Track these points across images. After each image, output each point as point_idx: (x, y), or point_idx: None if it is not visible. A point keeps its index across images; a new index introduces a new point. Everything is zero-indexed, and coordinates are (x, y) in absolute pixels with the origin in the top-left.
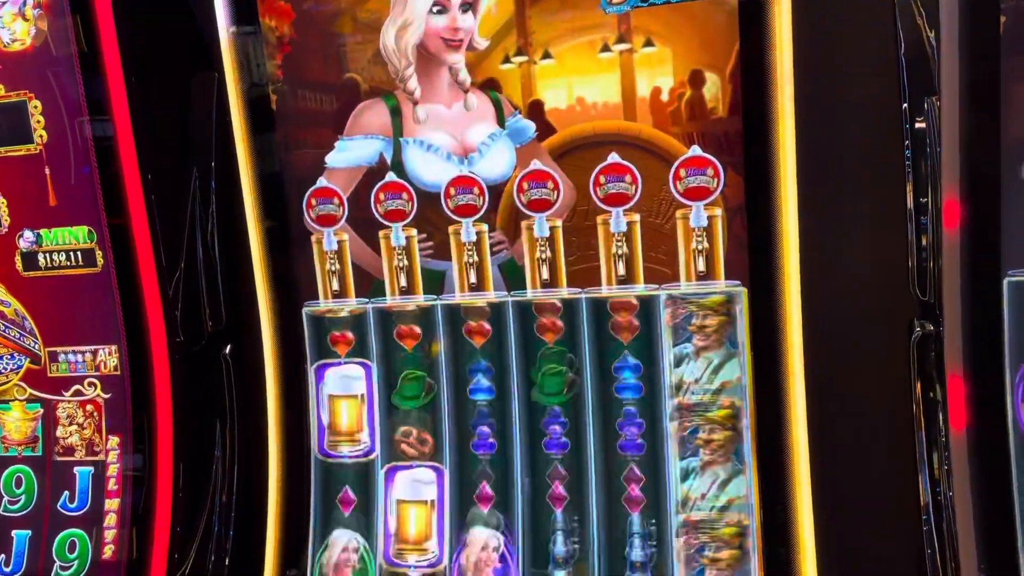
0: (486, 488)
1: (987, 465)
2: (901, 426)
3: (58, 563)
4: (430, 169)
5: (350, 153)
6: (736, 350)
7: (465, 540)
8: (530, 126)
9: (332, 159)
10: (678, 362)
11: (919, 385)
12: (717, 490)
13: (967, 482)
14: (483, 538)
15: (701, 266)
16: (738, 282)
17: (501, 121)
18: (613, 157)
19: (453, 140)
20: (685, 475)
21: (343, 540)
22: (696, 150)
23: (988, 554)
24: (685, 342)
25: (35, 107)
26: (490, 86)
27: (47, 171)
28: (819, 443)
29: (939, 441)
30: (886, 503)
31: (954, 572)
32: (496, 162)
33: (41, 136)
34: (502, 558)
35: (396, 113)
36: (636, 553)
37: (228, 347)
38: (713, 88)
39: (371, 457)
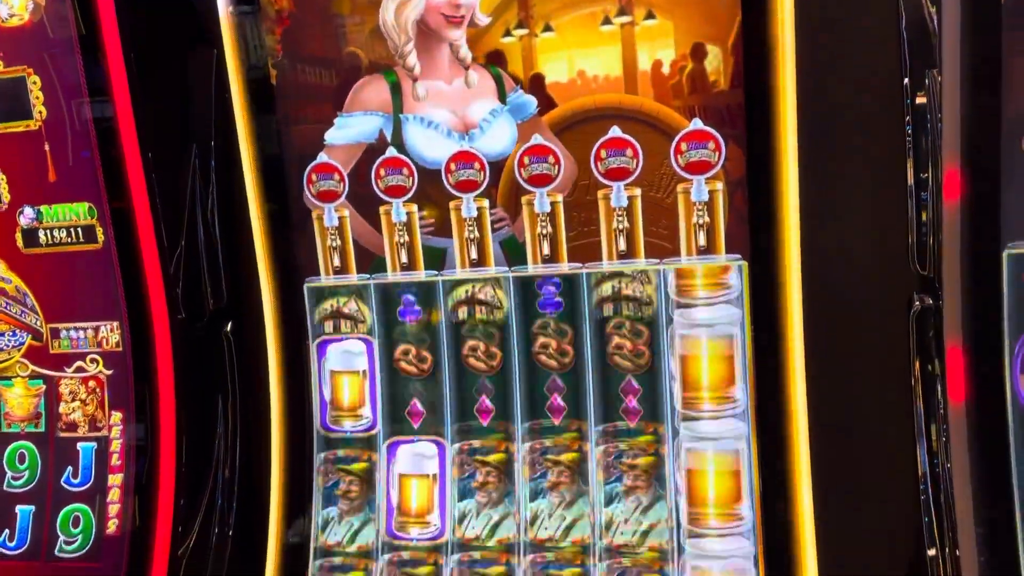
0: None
1: (985, 436)
2: (900, 399)
3: (62, 538)
4: (431, 146)
5: (349, 130)
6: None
7: None
8: (531, 101)
9: (331, 136)
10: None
11: (918, 358)
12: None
13: (965, 453)
14: None
15: (702, 240)
16: (739, 256)
17: (502, 97)
18: (614, 131)
19: (454, 117)
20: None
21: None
22: (697, 123)
23: (985, 524)
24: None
25: (34, 83)
26: (491, 60)
27: (47, 147)
28: (818, 415)
29: (937, 413)
30: (884, 474)
31: (951, 541)
32: (497, 138)
33: (40, 112)
34: None
35: (396, 90)
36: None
37: (229, 324)
38: (715, 61)
39: (373, 432)
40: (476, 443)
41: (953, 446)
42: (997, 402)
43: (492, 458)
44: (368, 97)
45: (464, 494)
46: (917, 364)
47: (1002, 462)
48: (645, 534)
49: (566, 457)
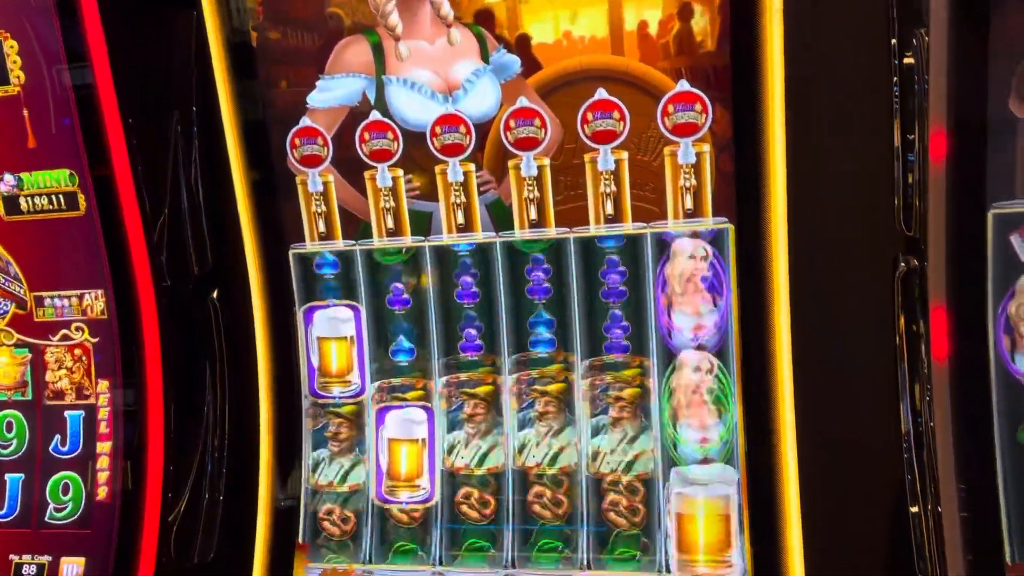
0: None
1: (968, 395)
2: (884, 359)
3: (52, 505)
4: (414, 108)
5: (332, 93)
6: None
7: None
8: (515, 61)
9: (314, 99)
10: None
11: (902, 318)
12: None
13: (948, 412)
14: None
15: (689, 203)
16: (725, 219)
17: (485, 56)
18: (601, 93)
19: (437, 77)
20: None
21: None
22: (684, 85)
23: (967, 481)
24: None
25: (11, 47)
26: (477, 20)
27: (26, 113)
28: (803, 373)
29: (921, 372)
30: (868, 433)
31: (933, 497)
32: (482, 99)
33: (19, 77)
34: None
35: (378, 50)
36: None
37: (215, 291)
38: (701, 21)
39: (362, 398)
40: (463, 376)
41: (936, 405)
42: (980, 361)
43: (480, 390)
44: (350, 59)
45: (453, 426)
46: (902, 324)
47: (984, 420)
48: (630, 465)
49: (552, 388)
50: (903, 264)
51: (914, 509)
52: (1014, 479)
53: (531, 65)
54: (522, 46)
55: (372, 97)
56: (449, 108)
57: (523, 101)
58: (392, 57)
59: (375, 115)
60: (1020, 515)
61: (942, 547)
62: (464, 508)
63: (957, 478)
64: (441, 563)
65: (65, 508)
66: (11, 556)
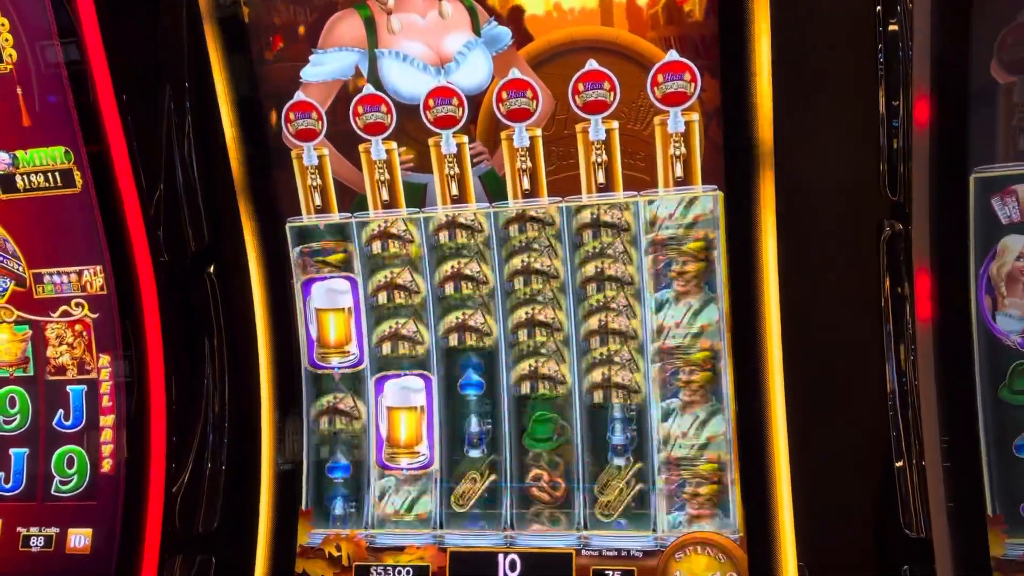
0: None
1: (951, 354)
2: (870, 321)
3: (57, 478)
4: (407, 80)
5: (325, 67)
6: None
7: None
8: (506, 33)
9: (307, 73)
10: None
11: (887, 280)
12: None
13: (932, 371)
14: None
15: (679, 171)
16: (714, 186)
17: (477, 29)
18: (591, 64)
19: (429, 50)
20: (666, 415)
21: None
22: (673, 55)
23: (950, 437)
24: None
25: (2, 25)
26: None
27: (19, 91)
28: (791, 337)
29: (906, 333)
30: (855, 392)
31: (918, 453)
32: (473, 71)
33: (10, 55)
34: None
35: (370, 24)
36: (617, 438)
37: (212, 266)
38: None
39: (360, 368)
40: None
41: (920, 364)
42: (963, 322)
43: None
44: (342, 33)
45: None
46: (887, 287)
47: (967, 379)
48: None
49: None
50: (888, 228)
51: (899, 464)
52: (995, 435)
53: (522, 37)
54: (514, 18)
55: (365, 70)
56: (441, 80)
57: (515, 73)
58: (384, 31)
59: (368, 88)
60: (1001, 469)
61: (926, 501)
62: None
63: (940, 434)
64: (442, 526)
65: (71, 481)
66: (19, 528)
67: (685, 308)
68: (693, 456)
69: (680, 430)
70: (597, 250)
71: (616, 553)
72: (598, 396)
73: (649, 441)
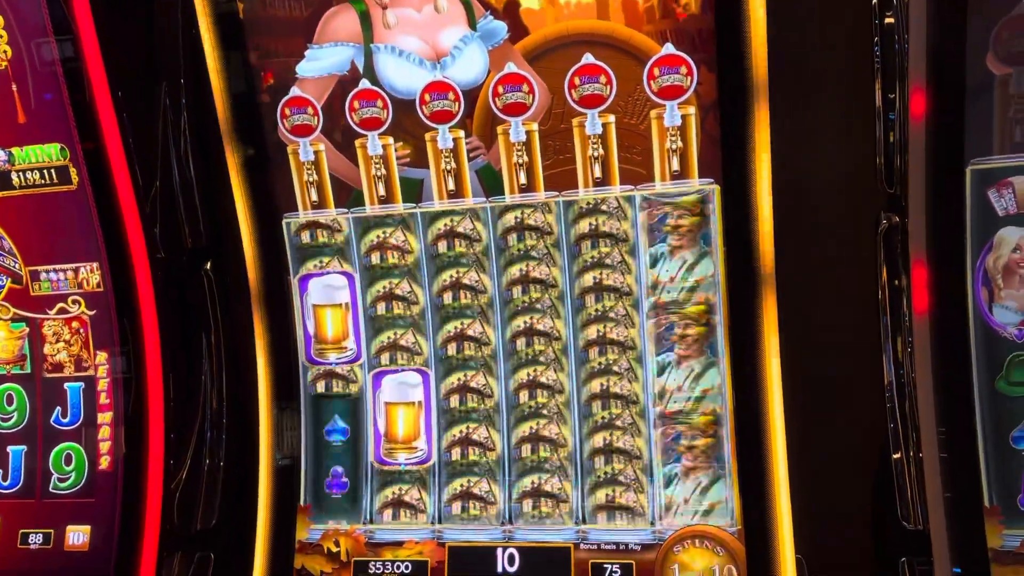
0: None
1: (948, 346)
2: (867, 314)
3: (55, 475)
4: (402, 75)
5: (321, 62)
6: (709, 248)
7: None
8: (501, 27)
9: (303, 68)
10: (654, 262)
11: (884, 273)
12: (692, 382)
13: (929, 363)
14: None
15: (676, 165)
16: (711, 180)
17: (472, 23)
18: (587, 58)
19: (425, 45)
20: (661, 369)
21: None
22: (669, 48)
23: (947, 428)
24: (660, 242)
25: None
26: None
27: (14, 88)
28: (788, 332)
29: (903, 326)
30: (852, 384)
31: (915, 445)
32: (469, 66)
33: (5, 52)
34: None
35: (365, 19)
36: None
37: (209, 262)
38: None
39: (358, 363)
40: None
41: (917, 357)
42: (960, 314)
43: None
44: (337, 28)
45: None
46: (884, 279)
47: (964, 370)
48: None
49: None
50: (885, 221)
51: (896, 456)
52: (992, 427)
53: (518, 31)
54: (509, 12)
55: (361, 66)
56: (437, 75)
57: (511, 67)
58: (379, 25)
59: (364, 83)
60: (998, 460)
61: (924, 493)
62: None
63: (938, 426)
64: (440, 521)
65: (68, 478)
66: (17, 526)
67: (679, 262)
68: (689, 410)
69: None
70: (595, 260)
71: (615, 547)
72: (596, 407)
73: (647, 432)
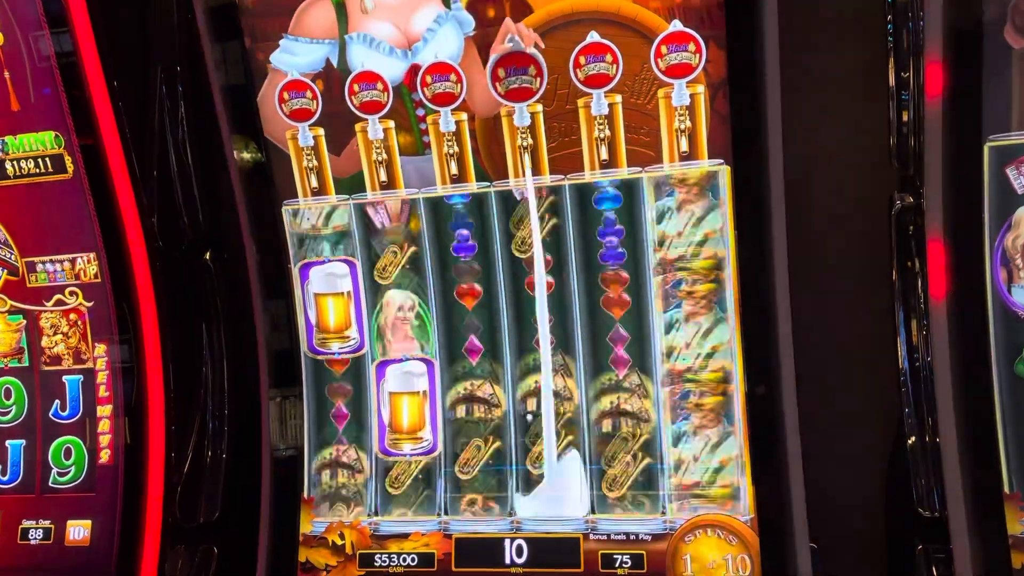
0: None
1: (966, 329)
2: (881, 296)
3: (55, 470)
4: (372, 65)
5: (296, 58)
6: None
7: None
8: (469, 21)
9: (278, 59)
10: (660, 217)
11: (899, 256)
12: (701, 338)
13: (946, 346)
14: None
15: (684, 146)
16: (720, 160)
17: (447, 1)
18: (593, 36)
19: (397, 32)
20: (668, 327)
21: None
22: (677, 25)
23: (965, 413)
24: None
25: None
26: None
27: (7, 75)
28: (801, 314)
29: (918, 309)
30: (866, 368)
31: (931, 430)
32: (441, 48)
33: None
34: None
35: (341, 10)
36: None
37: (208, 252)
38: None
39: (361, 353)
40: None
41: (934, 340)
42: (978, 295)
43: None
44: (312, 23)
45: None
46: (898, 261)
47: (982, 353)
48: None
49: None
50: (898, 201)
51: (912, 442)
52: (1012, 411)
53: (521, 8)
54: None
55: (335, 60)
56: (408, 62)
57: (518, 44)
58: (355, 12)
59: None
60: (1017, 446)
61: (941, 479)
62: None
63: (956, 411)
64: (447, 512)
65: (68, 472)
66: (17, 521)
67: (694, 326)
68: (700, 374)
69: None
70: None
71: (624, 537)
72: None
73: (656, 414)
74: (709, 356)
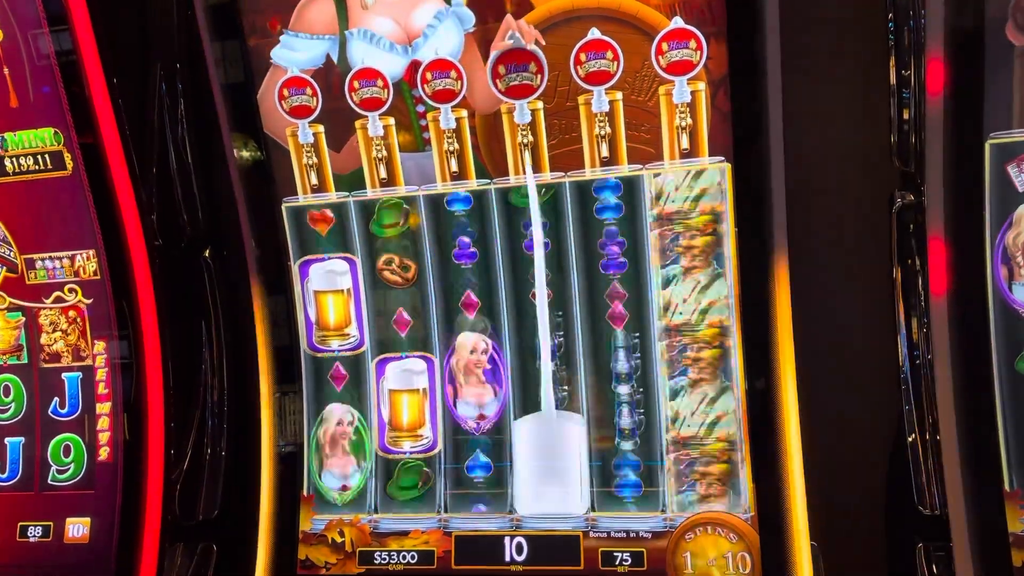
0: (471, 295)
1: (966, 326)
2: (881, 293)
3: (54, 467)
4: (372, 61)
5: (296, 55)
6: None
7: (454, 345)
8: (470, 17)
9: (278, 55)
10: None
11: (899, 253)
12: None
13: (947, 344)
14: (471, 342)
15: (685, 143)
16: (721, 158)
17: None
18: (593, 33)
19: (397, 28)
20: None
21: (337, 414)
22: (678, 22)
23: (966, 410)
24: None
25: None
26: None
27: (6, 71)
28: (802, 310)
29: (918, 306)
30: (866, 365)
31: (931, 427)
32: (441, 44)
33: None
34: (491, 360)
35: (341, 4)
36: (620, 365)
37: (207, 250)
38: None
39: (361, 350)
40: None
41: (935, 337)
42: (978, 293)
43: None
44: (313, 19)
45: None
46: (899, 258)
47: (983, 351)
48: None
49: None
50: (899, 199)
51: (913, 440)
52: (1012, 409)
53: (523, 5)
54: None
55: (335, 56)
56: (408, 58)
57: (519, 42)
58: (355, 8)
59: (364, 63)
60: (1018, 443)
61: (942, 477)
62: None
63: (956, 409)
64: (447, 510)
65: (68, 470)
66: (16, 519)
67: (693, 284)
68: (703, 435)
69: (689, 409)
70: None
71: (625, 534)
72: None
73: (657, 420)
74: (705, 311)
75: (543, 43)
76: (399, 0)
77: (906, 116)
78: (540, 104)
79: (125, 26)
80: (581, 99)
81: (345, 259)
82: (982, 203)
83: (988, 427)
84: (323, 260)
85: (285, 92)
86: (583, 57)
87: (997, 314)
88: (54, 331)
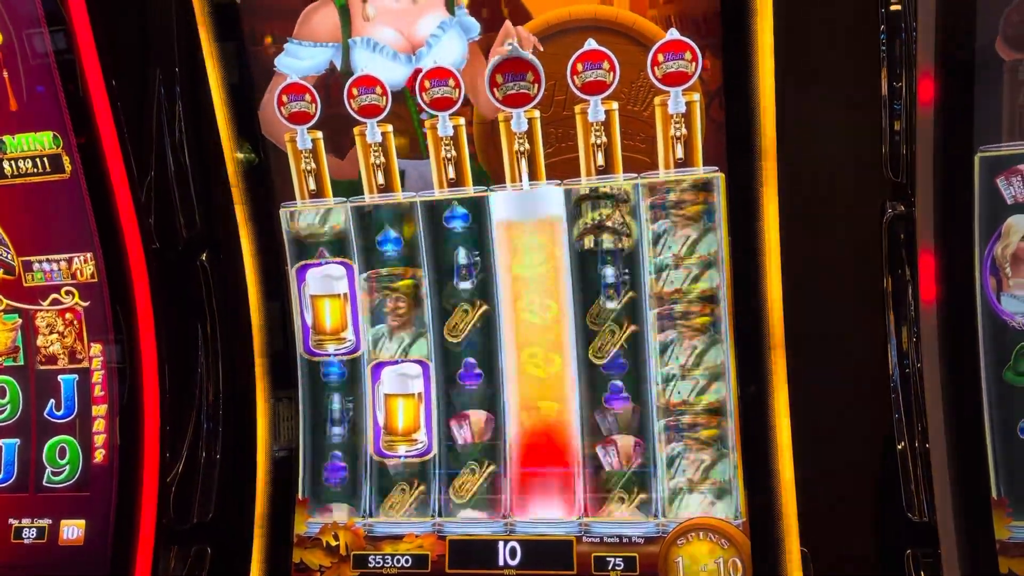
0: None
1: (955, 336)
2: (872, 303)
3: (49, 469)
4: (376, 70)
5: (300, 62)
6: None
7: None
8: (475, 25)
9: (282, 63)
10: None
11: (890, 263)
12: (696, 360)
13: (936, 353)
14: None
15: (680, 153)
16: (716, 168)
17: (451, 7)
18: (590, 43)
19: (400, 37)
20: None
21: None
22: (674, 33)
23: (955, 419)
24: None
25: None
26: None
27: (5, 75)
28: (793, 319)
29: (908, 316)
30: (857, 374)
31: (920, 435)
32: (445, 54)
33: None
34: None
35: (345, 13)
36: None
37: (204, 254)
38: None
39: (357, 355)
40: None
41: (924, 346)
42: (967, 303)
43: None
44: (317, 26)
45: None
46: (890, 268)
47: (971, 360)
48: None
49: None
50: (890, 209)
51: (902, 447)
52: (1000, 417)
53: (520, 15)
54: None
55: (339, 63)
56: (411, 67)
57: (517, 50)
58: (358, 17)
59: (363, 70)
60: (1006, 452)
61: (930, 485)
62: None
63: (945, 417)
64: (440, 514)
65: (63, 472)
66: (10, 520)
67: (684, 274)
68: (695, 443)
69: (680, 397)
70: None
71: (617, 540)
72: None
73: (650, 427)
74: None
75: (541, 49)
76: (403, 10)
77: (897, 128)
78: (537, 113)
79: (124, 28)
80: (577, 108)
81: (342, 264)
82: (971, 215)
83: (976, 435)
84: (320, 264)
85: (284, 99)
86: (580, 67)
87: (985, 324)
88: (51, 333)
